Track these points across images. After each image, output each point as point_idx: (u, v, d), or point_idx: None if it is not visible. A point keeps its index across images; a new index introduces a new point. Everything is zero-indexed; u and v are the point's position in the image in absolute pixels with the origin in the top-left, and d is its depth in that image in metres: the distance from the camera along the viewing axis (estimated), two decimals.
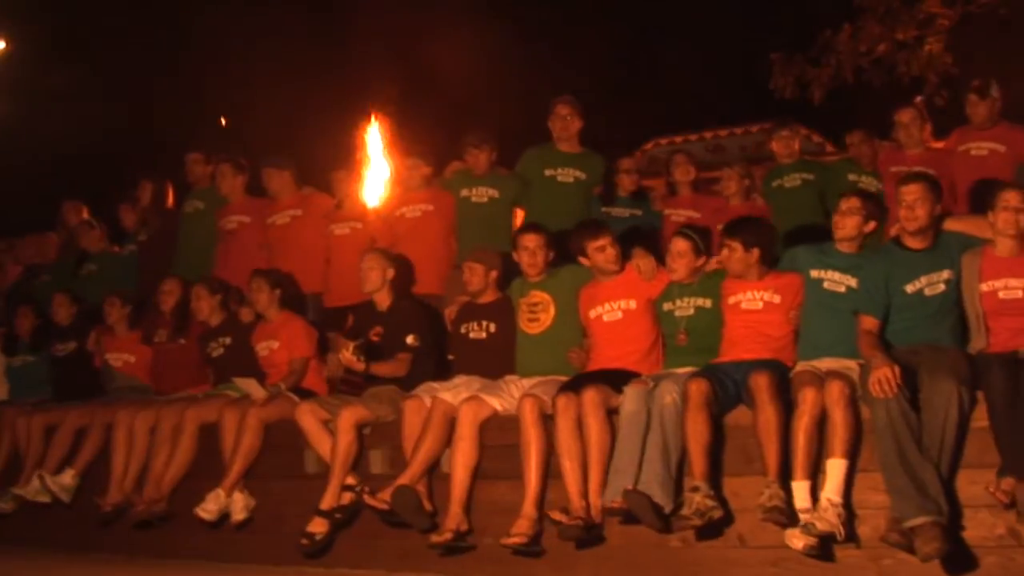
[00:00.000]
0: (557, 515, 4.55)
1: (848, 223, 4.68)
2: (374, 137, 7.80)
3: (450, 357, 5.76)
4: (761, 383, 4.26)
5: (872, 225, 4.72)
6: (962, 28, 9.72)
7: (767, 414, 4.23)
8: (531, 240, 5.42)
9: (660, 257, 5.23)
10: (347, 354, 5.43)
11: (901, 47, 9.95)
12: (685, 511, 4.22)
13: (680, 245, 5.01)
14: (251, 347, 6.18)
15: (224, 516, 5.51)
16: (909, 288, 4.48)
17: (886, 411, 3.99)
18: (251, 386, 5.71)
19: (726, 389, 4.45)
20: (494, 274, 5.60)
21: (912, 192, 4.47)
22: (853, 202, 4.69)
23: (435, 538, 4.81)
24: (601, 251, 5.16)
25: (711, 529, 4.40)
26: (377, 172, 7.55)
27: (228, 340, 6.33)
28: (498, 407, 5.01)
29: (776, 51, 10.45)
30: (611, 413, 4.67)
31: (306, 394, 5.76)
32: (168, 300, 6.62)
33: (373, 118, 7.90)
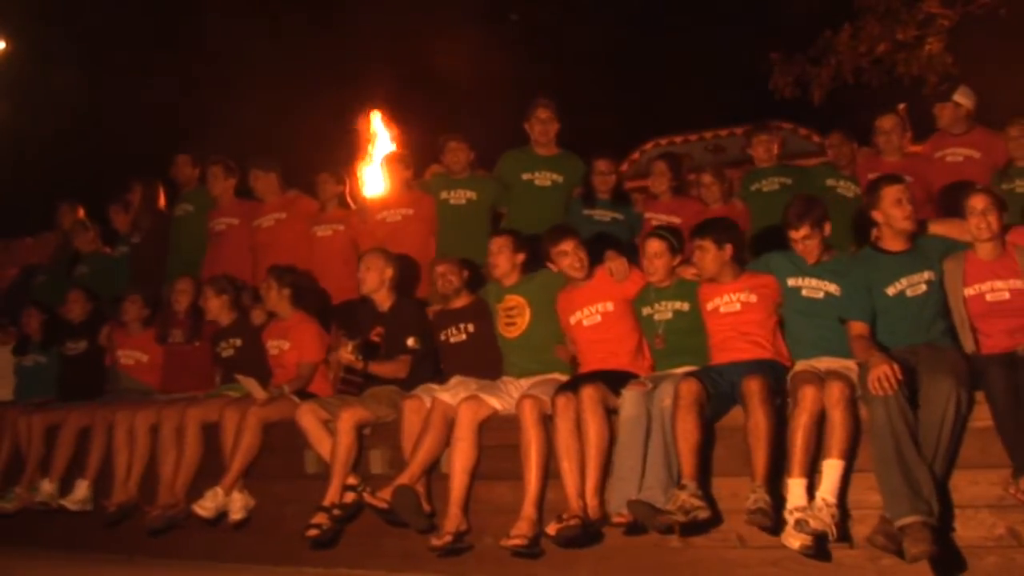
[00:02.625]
0: (552, 529, 4.54)
1: (811, 247, 4.68)
2: (360, 140, 7.83)
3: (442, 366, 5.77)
4: (753, 388, 4.26)
5: (828, 228, 4.72)
6: (962, 28, 9.74)
7: (756, 419, 4.23)
8: (493, 243, 5.49)
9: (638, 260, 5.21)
10: (346, 353, 5.44)
11: (901, 47, 9.97)
12: (669, 506, 4.22)
13: (655, 246, 5.02)
14: (262, 349, 6.14)
15: (222, 514, 5.51)
16: (890, 290, 4.50)
17: (885, 409, 3.99)
18: (252, 385, 5.71)
19: (721, 390, 4.45)
20: (466, 273, 5.64)
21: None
22: (804, 231, 4.65)
23: (435, 541, 4.81)
24: (564, 255, 5.19)
25: (695, 528, 4.39)
26: (361, 174, 7.57)
27: (238, 342, 6.30)
28: (497, 407, 5.02)
29: (776, 51, 10.46)
30: (609, 412, 4.67)
31: (306, 395, 5.76)
32: (182, 300, 6.58)
33: (360, 121, 7.92)
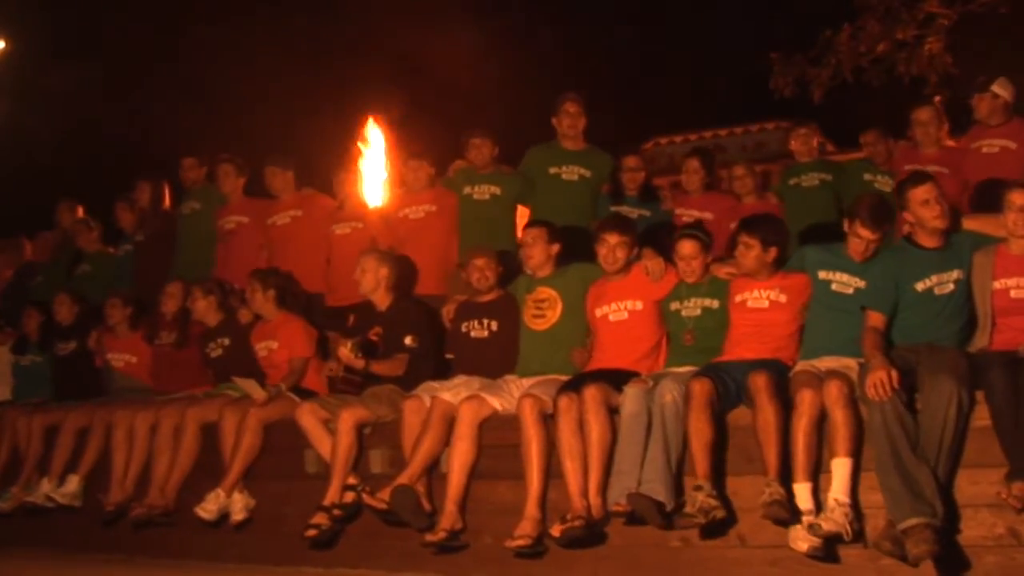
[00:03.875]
0: (556, 530, 4.52)
1: (871, 249, 4.59)
2: (376, 138, 7.82)
3: (448, 356, 5.75)
4: (760, 383, 4.26)
5: (891, 238, 4.70)
6: (962, 28, 9.73)
7: (766, 414, 4.23)
8: (527, 234, 5.46)
9: (668, 256, 5.19)
10: (345, 351, 5.43)
11: (901, 47, 9.96)
12: (689, 509, 4.22)
13: (688, 248, 4.97)
14: (250, 347, 6.16)
15: (224, 516, 5.51)
16: (919, 286, 4.47)
17: (881, 414, 3.99)
18: (251, 386, 5.71)
19: (727, 388, 4.44)
20: (501, 269, 5.61)
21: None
22: (878, 235, 4.54)
23: (429, 537, 4.82)
24: (603, 244, 5.12)
25: (714, 528, 4.39)
26: (379, 172, 7.57)
27: (227, 341, 6.32)
28: (498, 406, 5.01)
29: (776, 51, 10.46)
30: (611, 412, 4.66)
31: (306, 394, 5.75)
32: (169, 303, 6.60)
33: (376, 119, 7.92)
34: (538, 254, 5.40)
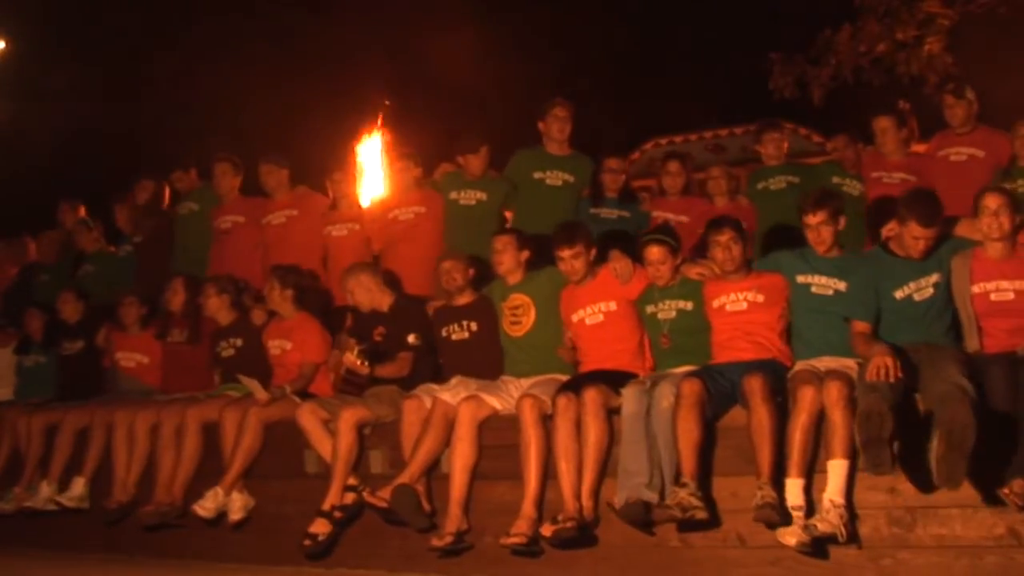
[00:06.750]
0: (548, 530, 4.54)
1: (825, 235, 4.67)
2: (370, 138, 7.83)
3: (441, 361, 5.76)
4: (754, 386, 4.27)
5: (843, 221, 4.73)
6: (962, 28, 9.73)
7: (759, 416, 4.24)
8: (497, 241, 5.49)
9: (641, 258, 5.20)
10: (351, 356, 5.43)
11: (901, 47, 9.95)
12: (668, 501, 4.24)
13: (656, 253, 4.98)
14: (262, 349, 6.12)
15: (222, 514, 5.51)
16: (898, 294, 4.49)
17: (875, 390, 3.97)
18: (254, 386, 5.70)
19: (721, 389, 4.45)
20: (471, 271, 5.63)
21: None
22: (821, 216, 4.65)
23: (436, 542, 4.82)
24: (560, 261, 5.18)
25: (692, 527, 4.41)
26: (373, 173, 7.57)
27: (239, 341, 6.26)
28: (497, 406, 5.02)
29: (776, 51, 10.46)
30: (611, 413, 4.67)
31: (307, 394, 5.75)
32: (175, 299, 6.55)
33: (369, 119, 7.93)
34: (508, 260, 5.45)
